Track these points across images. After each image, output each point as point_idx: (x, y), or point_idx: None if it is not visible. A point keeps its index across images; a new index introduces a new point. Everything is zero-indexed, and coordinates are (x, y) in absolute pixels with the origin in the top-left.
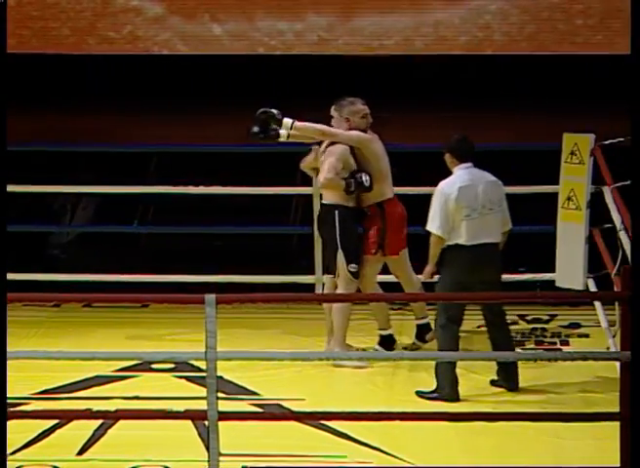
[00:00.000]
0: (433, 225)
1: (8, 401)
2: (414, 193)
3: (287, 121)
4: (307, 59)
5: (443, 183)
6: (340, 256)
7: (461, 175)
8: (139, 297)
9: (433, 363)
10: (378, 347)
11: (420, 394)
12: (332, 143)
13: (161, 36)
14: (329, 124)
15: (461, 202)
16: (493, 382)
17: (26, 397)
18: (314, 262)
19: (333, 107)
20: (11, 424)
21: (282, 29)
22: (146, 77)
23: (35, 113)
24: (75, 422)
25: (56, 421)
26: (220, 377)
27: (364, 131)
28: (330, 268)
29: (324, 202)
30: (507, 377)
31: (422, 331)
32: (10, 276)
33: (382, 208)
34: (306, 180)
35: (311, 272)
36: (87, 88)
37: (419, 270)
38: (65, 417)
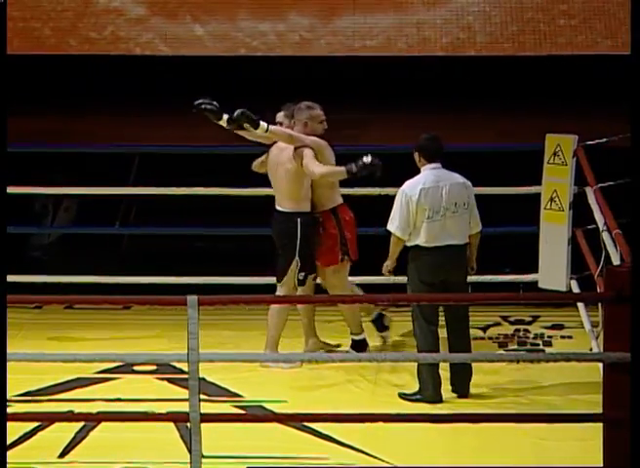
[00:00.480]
0: (392, 225)
1: None
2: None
3: (263, 124)
4: (289, 60)
5: (406, 184)
6: (295, 265)
7: (427, 176)
8: (120, 299)
9: (416, 364)
10: (350, 350)
11: (402, 396)
12: (296, 148)
13: (143, 37)
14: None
15: (423, 204)
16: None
17: (8, 399)
18: None
19: (283, 113)
20: None
21: (264, 30)
22: (127, 78)
23: (13, 114)
24: (57, 424)
25: (37, 423)
26: (203, 379)
27: (320, 136)
28: (279, 276)
29: (282, 209)
30: (460, 383)
31: (379, 322)
32: None
33: (336, 213)
34: None
35: None
36: (67, 89)
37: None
38: (47, 419)
